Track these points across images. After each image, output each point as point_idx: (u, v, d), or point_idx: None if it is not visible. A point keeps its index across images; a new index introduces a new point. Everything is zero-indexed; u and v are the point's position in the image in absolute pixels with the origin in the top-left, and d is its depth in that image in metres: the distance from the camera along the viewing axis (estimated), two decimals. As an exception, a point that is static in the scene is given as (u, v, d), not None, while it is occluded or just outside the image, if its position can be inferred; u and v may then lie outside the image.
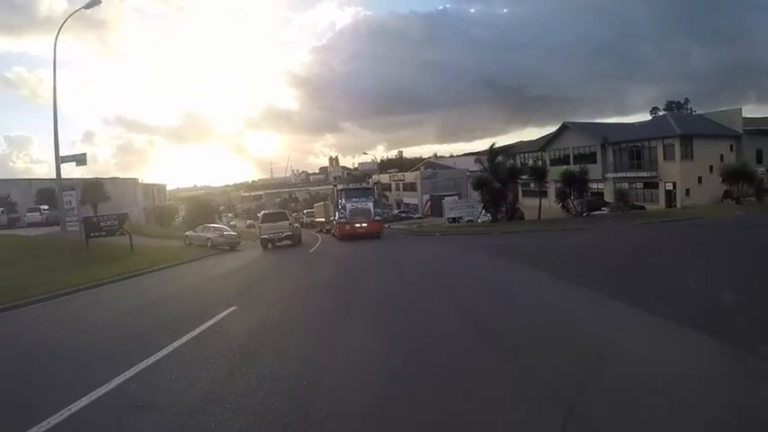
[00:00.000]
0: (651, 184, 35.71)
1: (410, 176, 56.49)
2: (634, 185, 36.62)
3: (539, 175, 22.98)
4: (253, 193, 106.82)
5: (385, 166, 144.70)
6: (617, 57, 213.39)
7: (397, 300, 6.48)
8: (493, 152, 24.07)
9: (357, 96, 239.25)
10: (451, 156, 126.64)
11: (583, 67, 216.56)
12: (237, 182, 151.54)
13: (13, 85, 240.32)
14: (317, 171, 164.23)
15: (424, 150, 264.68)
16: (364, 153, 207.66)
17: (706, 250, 9.97)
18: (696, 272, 6.98)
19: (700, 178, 34.36)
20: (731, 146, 36.95)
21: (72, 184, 19.51)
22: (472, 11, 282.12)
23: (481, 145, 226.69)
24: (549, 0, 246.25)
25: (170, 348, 4.47)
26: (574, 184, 22.03)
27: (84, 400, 3.27)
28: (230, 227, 30.77)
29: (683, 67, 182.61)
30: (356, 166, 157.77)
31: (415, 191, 52.18)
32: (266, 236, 20.60)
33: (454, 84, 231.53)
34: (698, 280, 6.25)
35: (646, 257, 9.45)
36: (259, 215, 24.69)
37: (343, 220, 21.82)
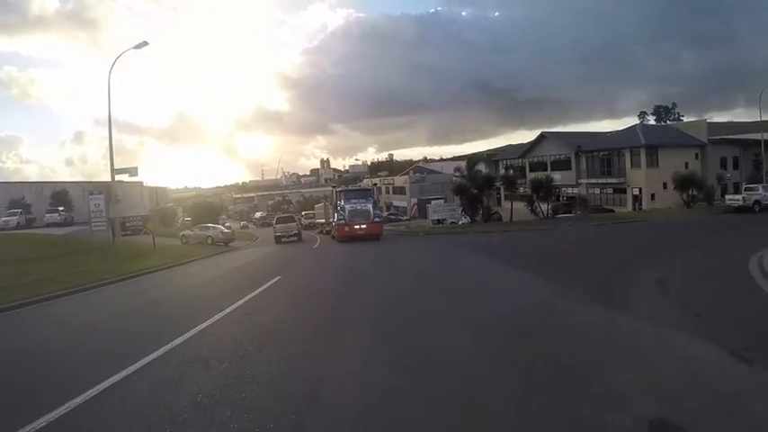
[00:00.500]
0: (620, 190, 39.46)
1: (400, 180, 59.84)
2: (605, 191, 40.42)
3: (509, 182, 26.66)
4: (245, 195, 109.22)
5: (375, 168, 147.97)
6: (608, 60, 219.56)
7: (385, 265, 9.80)
8: (471, 162, 27.63)
9: (348, 98, 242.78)
10: (441, 159, 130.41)
11: (574, 70, 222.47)
12: (228, 183, 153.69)
13: (3, 84, 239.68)
14: (308, 173, 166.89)
15: (415, 153, 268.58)
16: (356, 159, 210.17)
17: (611, 243, 13.48)
18: (582, 256, 10.42)
19: (665, 184, 37.99)
20: (696, 154, 40.76)
21: (100, 188, 22.45)
22: (464, 14, 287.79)
23: (472, 147, 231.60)
24: (540, 4, 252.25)
25: (252, 295, 7.69)
26: (540, 191, 25.65)
27: (229, 308, 6.57)
28: (225, 227, 33.75)
29: (673, 71, 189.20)
30: (347, 168, 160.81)
31: (404, 194, 55.55)
32: (279, 234, 25.60)
33: (446, 86, 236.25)
34: (574, 259, 9.66)
35: (565, 248, 12.94)
36: (255, 216, 28.25)
37: (342, 221, 21.99)
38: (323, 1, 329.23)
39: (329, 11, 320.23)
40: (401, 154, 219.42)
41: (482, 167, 30.25)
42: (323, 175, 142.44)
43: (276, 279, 9.28)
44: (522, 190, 29.01)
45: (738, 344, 3.82)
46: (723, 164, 41.53)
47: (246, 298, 7.27)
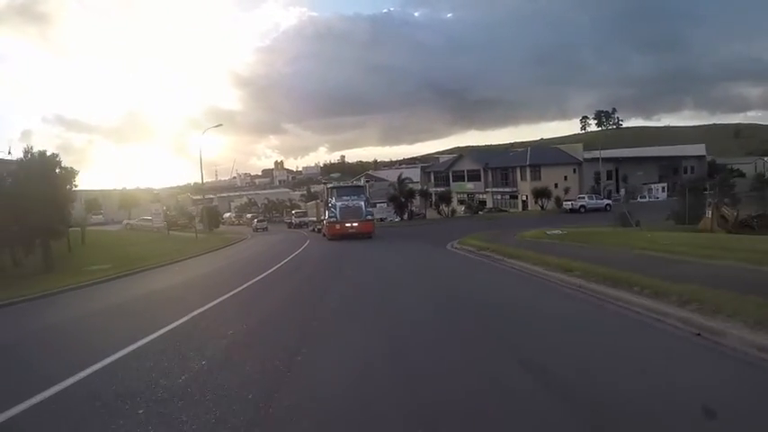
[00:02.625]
0: (513, 196, 56.17)
1: (352, 186, 74.42)
2: (504, 197, 57.10)
3: (423, 194, 42.12)
4: (204, 197, 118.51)
5: (328, 170, 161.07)
6: (559, 63, 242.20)
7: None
8: (401, 180, 42.76)
9: (301, 98, 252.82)
10: (391, 161, 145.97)
11: (526, 72, 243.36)
12: (181, 184, 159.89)
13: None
14: (260, 173, 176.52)
15: (367, 152, 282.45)
16: (320, 174, 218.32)
17: (454, 227, 28.67)
18: (449, 231, 25.46)
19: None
20: (574, 169, 58.28)
21: (156, 197, 35.18)
22: (416, 14, 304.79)
23: (423, 148, 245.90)
24: (493, 6, 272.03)
25: (300, 250, 21.76)
26: (444, 200, 41.26)
27: (283, 262, 20.81)
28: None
29: (623, 74, 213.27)
30: (300, 169, 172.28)
31: (356, 198, 70.10)
32: (258, 227, 42.52)
33: (398, 86, 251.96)
34: (442, 234, 24.64)
35: (427, 230, 27.99)
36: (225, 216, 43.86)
37: (333, 219, 23.00)
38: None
39: (282, 9, 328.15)
40: (353, 154, 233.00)
41: (410, 182, 45.37)
42: (277, 177, 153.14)
43: (308, 243, 23.35)
44: (433, 197, 44.61)
45: (433, 245, 18.61)
46: (597, 177, 59.30)
47: (305, 245, 21.46)
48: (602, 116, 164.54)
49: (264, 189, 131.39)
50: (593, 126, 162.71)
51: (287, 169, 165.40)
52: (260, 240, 32.30)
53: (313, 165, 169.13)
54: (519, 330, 5.21)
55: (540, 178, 54.86)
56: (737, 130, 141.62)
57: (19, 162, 15.97)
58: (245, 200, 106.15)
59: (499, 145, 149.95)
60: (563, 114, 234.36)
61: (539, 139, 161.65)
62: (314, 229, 35.10)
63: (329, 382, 3.83)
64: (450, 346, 4.66)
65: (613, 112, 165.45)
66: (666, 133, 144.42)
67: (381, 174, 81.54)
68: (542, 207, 44.90)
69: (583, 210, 41.85)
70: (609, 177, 62.02)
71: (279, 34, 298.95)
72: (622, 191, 61.11)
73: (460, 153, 61.90)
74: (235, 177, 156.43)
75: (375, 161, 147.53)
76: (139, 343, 5.29)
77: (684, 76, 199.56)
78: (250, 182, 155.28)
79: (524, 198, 55.10)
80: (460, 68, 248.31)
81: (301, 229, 41.73)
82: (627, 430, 2.76)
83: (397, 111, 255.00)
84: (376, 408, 3.24)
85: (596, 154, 60.31)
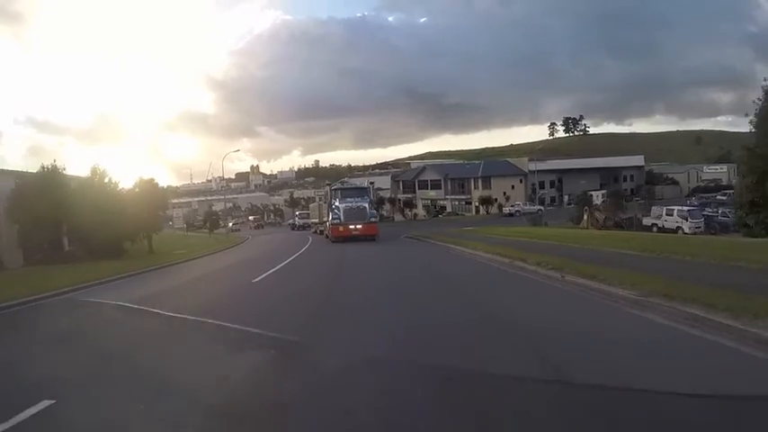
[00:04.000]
0: (468, 202, 68.22)
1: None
2: (460, 203, 69.09)
3: (390, 201, 53.61)
4: (182, 200, 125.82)
5: (303, 174, 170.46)
6: (533, 68, 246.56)
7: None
8: (374, 188, 54.03)
9: (275, 101, 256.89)
10: (364, 165, 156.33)
11: (499, 77, 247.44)
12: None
13: None
14: (234, 176, 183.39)
15: (341, 156, 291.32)
16: (296, 178, 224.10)
17: (411, 227, 40.04)
18: (405, 229, 36.70)
19: (495, 199, 67.52)
20: (521, 179, 70.79)
21: (180, 204, 45.04)
22: (391, 19, 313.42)
23: (396, 152, 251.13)
24: (467, 11, 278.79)
25: (303, 249, 32.45)
26: (408, 206, 52.75)
27: (288, 260, 31.70)
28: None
29: (596, 80, 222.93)
30: (274, 173, 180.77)
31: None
32: (233, 227, 49.84)
33: (372, 90, 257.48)
34: (399, 231, 35.85)
35: (400, 228, 39.19)
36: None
37: (337, 221, 23.76)
38: (250, 2, 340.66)
39: (256, 12, 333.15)
40: (327, 158, 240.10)
41: (381, 189, 56.62)
42: (253, 181, 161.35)
43: (311, 240, 33.92)
44: (401, 203, 56.16)
45: (389, 237, 29.70)
46: (542, 185, 71.72)
47: (309, 242, 32.23)
48: (569, 123, 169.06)
49: (241, 193, 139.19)
50: (561, 132, 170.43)
51: (262, 173, 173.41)
52: (265, 239, 42.68)
53: (288, 169, 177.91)
54: (411, 256, 16.51)
55: (490, 187, 66.71)
56: (698, 137, 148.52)
57: (134, 183, 26.18)
58: (224, 204, 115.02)
59: (471, 150, 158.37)
60: (535, 119, 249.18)
61: (508, 144, 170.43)
62: (316, 231, 37.12)
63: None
64: (382, 255, 15.85)
65: (581, 119, 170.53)
66: (633, 139, 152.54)
67: (355, 181, 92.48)
68: (487, 212, 57.03)
69: (518, 214, 53.79)
70: (552, 186, 75.16)
71: (253, 37, 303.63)
72: (566, 197, 74.23)
73: (424, 166, 73.75)
74: (210, 181, 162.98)
75: (349, 166, 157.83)
76: (270, 270, 15.92)
77: (655, 81, 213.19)
78: (225, 185, 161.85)
79: (476, 204, 67.33)
80: (435, 73, 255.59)
81: (304, 231, 44.07)
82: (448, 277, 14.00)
83: (372, 115, 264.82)
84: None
85: (543, 165, 73.23)
